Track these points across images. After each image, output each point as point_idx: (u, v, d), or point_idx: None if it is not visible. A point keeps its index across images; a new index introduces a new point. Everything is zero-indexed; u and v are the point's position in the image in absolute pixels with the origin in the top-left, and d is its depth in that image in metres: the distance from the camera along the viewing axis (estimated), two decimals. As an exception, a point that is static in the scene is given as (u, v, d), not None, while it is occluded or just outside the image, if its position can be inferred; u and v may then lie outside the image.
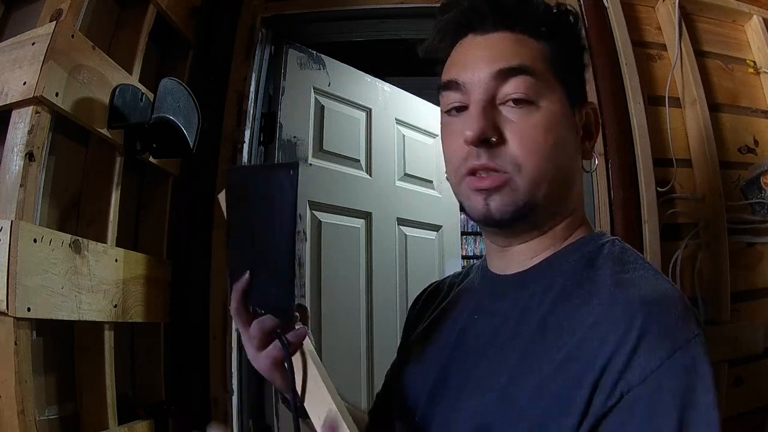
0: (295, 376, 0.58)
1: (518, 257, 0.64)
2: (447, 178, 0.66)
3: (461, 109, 0.62)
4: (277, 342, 0.58)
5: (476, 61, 0.61)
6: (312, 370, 0.58)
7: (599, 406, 0.49)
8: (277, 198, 0.57)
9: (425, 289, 0.83)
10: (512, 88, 0.59)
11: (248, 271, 0.58)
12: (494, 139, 0.58)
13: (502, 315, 0.61)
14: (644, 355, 0.49)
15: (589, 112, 0.66)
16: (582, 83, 0.67)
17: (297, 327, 0.60)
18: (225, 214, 0.60)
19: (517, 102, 0.59)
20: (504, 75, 0.59)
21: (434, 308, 0.76)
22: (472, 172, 0.60)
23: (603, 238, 0.63)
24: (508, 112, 0.59)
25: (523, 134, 0.58)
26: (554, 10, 0.65)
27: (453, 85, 0.62)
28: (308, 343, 0.60)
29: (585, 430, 0.50)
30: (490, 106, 0.60)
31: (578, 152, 0.65)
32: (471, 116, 0.60)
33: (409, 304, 0.84)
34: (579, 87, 0.66)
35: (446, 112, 0.64)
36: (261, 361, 0.59)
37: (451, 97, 0.63)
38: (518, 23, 0.62)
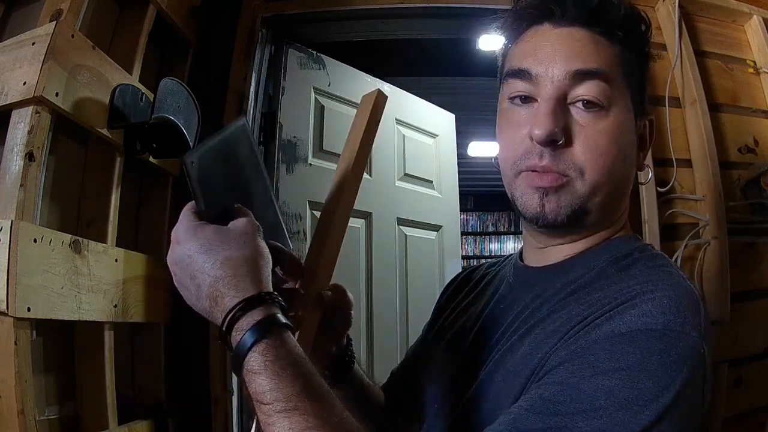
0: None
1: (554, 255, 0.64)
2: (495, 163, 0.64)
3: (527, 99, 0.60)
4: None
5: (552, 55, 0.59)
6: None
7: (547, 353, 0.51)
8: (240, 151, 0.61)
9: (458, 275, 0.84)
10: (585, 90, 0.57)
11: None
12: (561, 141, 0.57)
13: (524, 305, 0.62)
14: (618, 319, 0.48)
15: (647, 123, 0.66)
16: (645, 93, 0.66)
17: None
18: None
19: (588, 105, 0.57)
20: (580, 76, 0.57)
21: (464, 296, 0.76)
22: (532, 169, 0.59)
23: (637, 242, 0.63)
24: (577, 113, 0.58)
25: (590, 139, 0.57)
26: (632, 15, 0.62)
27: (524, 75, 0.60)
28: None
29: (531, 381, 0.51)
30: (561, 105, 0.58)
31: (635, 163, 0.64)
32: (540, 113, 0.57)
33: (410, 304, 0.85)
34: (643, 96, 0.64)
35: (510, 99, 0.62)
36: None
37: (518, 86, 0.60)
38: (597, 22, 0.59)
